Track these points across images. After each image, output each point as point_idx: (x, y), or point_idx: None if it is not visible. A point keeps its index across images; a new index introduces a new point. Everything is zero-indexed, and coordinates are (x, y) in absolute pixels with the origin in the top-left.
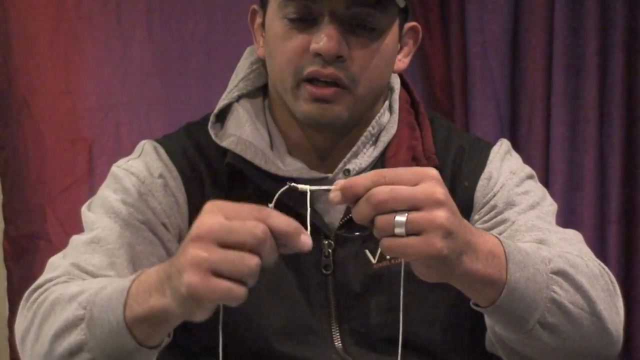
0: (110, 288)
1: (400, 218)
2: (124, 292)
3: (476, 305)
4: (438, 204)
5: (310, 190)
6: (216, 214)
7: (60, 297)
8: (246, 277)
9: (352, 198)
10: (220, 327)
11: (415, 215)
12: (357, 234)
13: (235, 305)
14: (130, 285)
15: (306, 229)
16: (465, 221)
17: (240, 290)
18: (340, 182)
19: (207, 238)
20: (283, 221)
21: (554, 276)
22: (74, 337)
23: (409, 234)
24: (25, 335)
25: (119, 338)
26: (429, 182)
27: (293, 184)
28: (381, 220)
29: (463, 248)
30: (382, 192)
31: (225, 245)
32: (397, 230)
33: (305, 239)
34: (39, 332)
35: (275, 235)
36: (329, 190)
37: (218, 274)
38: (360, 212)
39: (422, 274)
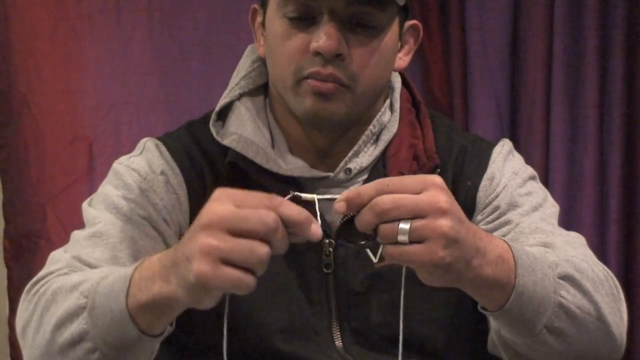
0: (112, 277)
1: (404, 226)
2: (127, 280)
3: (484, 309)
4: (442, 212)
5: (317, 200)
6: (226, 202)
7: (61, 287)
8: (256, 266)
9: (357, 208)
10: (225, 320)
11: (418, 223)
12: (361, 243)
13: (243, 294)
14: (133, 272)
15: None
16: (475, 227)
17: (249, 279)
18: (345, 193)
19: (218, 226)
20: (294, 210)
21: (561, 281)
22: (75, 327)
23: (412, 241)
24: (26, 327)
25: (121, 326)
26: (433, 190)
27: (297, 193)
28: (384, 228)
29: (472, 254)
30: (386, 201)
31: (235, 233)
32: (400, 238)
33: (316, 229)
34: (40, 321)
35: (286, 224)
36: (333, 199)
37: (228, 262)
38: (363, 220)
39: (425, 280)
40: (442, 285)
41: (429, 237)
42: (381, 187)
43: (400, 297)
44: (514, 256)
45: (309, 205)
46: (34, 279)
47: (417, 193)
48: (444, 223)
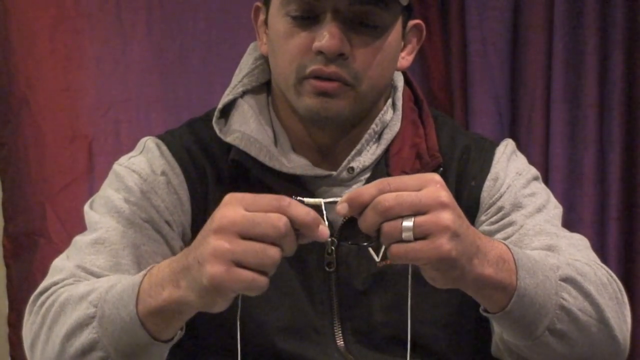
0: (120, 285)
1: (407, 223)
2: (135, 288)
3: (485, 311)
4: (443, 206)
5: (325, 203)
6: (236, 206)
7: (69, 298)
8: (268, 268)
9: (359, 208)
10: (238, 320)
11: (421, 219)
12: (364, 244)
13: (256, 295)
14: (142, 280)
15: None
16: (473, 227)
17: (262, 280)
18: (347, 194)
19: (229, 230)
20: (302, 212)
21: (563, 283)
22: (85, 336)
23: (416, 238)
24: (35, 340)
25: (132, 333)
26: (432, 186)
27: (300, 197)
28: (388, 226)
29: (473, 252)
30: (388, 198)
31: (247, 237)
32: (405, 235)
33: (323, 229)
34: (49, 334)
35: (295, 226)
36: (336, 202)
37: (240, 265)
38: (367, 220)
39: (433, 279)
40: (446, 286)
41: (433, 231)
42: (382, 186)
43: (408, 297)
44: (514, 258)
45: (307, 190)
46: (38, 289)
47: (417, 190)
48: (447, 216)
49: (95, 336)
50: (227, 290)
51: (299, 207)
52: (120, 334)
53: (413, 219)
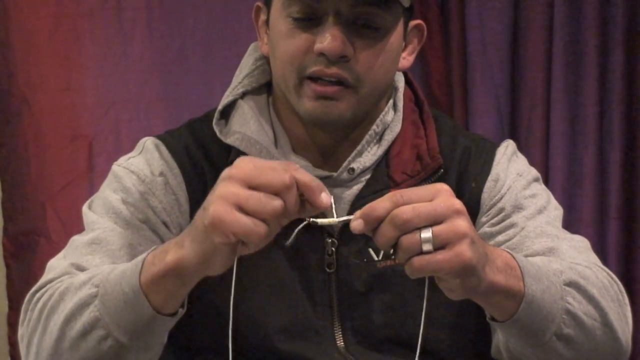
0: (123, 265)
1: (426, 234)
2: (139, 263)
3: (492, 319)
4: (458, 213)
5: (337, 223)
6: (247, 162)
7: (69, 287)
8: (270, 217)
9: (374, 223)
10: (232, 291)
11: (439, 228)
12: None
13: (254, 249)
14: (146, 255)
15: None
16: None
17: (262, 228)
18: (360, 211)
19: (237, 177)
20: (308, 176)
21: (567, 288)
22: (86, 316)
23: (435, 249)
24: (32, 336)
25: (134, 307)
26: (444, 195)
27: (313, 219)
28: (407, 240)
29: (484, 259)
30: (406, 211)
31: (253, 187)
32: (425, 247)
33: (325, 196)
34: (47, 324)
35: (300, 188)
36: (349, 220)
37: (243, 211)
38: (385, 236)
39: (451, 290)
40: (462, 297)
41: (452, 240)
42: (395, 199)
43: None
44: (519, 265)
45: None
46: (34, 288)
47: (430, 201)
48: (463, 223)
49: (96, 314)
50: (226, 231)
51: (305, 172)
52: (123, 310)
53: (431, 230)
